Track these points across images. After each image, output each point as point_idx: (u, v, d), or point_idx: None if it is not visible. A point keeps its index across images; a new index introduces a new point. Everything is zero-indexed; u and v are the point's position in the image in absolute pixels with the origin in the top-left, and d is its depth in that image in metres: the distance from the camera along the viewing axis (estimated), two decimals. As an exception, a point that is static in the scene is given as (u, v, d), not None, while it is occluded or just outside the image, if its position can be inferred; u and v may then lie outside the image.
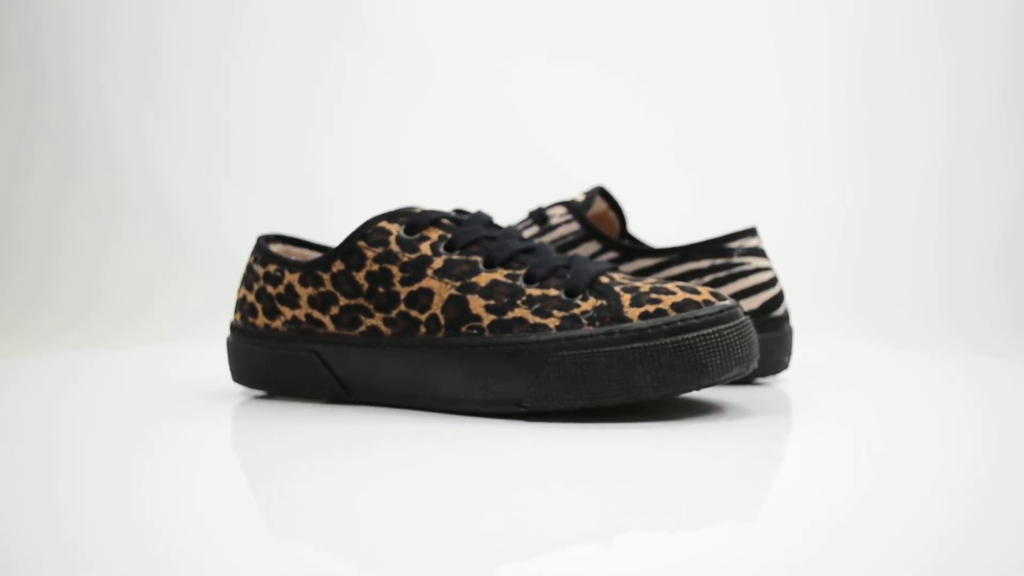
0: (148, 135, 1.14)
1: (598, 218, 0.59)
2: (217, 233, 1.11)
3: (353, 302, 0.46)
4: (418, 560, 0.25)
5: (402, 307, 0.44)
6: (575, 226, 0.54)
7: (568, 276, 0.44)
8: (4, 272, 1.06)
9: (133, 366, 0.68)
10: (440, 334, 0.44)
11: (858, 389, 0.54)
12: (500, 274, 0.44)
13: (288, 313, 0.48)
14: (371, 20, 1.20)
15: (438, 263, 0.45)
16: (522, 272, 0.44)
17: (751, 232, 0.53)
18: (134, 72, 1.16)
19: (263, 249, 0.50)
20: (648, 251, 0.53)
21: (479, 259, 0.45)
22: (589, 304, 0.42)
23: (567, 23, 1.20)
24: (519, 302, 0.43)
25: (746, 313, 0.51)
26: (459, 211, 0.50)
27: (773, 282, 0.53)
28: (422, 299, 0.44)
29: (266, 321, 0.49)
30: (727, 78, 1.18)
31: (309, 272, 0.47)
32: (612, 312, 0.42)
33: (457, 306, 0.43)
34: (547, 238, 0.55)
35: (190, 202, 1.13)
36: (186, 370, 0.64)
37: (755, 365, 0.43)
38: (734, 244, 0.52)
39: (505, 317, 0.43)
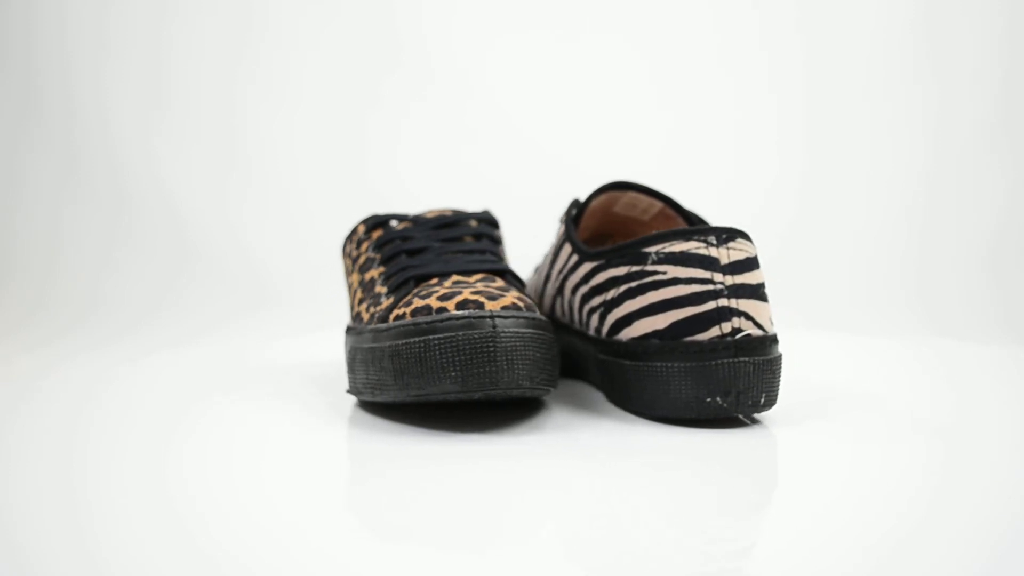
0: (152, 134, 1.12)
1: (660, 215, 0.52)
2: (229, 234, 1.07)
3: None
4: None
5: (349, 296, 0.53)
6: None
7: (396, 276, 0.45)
8: (5, 273, 1.05)
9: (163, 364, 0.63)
10: (352, 323, 0.51)
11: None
12: (376, 272, 0.48)
13: None
14: (390, 19, 1.11)
15: (361, 260, 0.51)
16: (385, 271, 0.47)
17: (687, 234, 0.40)
18: (137, 69, 1.13)
19: None
20: (589, 255, 0.46)
21: (377, 257, 0.49)
22: (383, 305, 0.44)
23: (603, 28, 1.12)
24: (368, 298, 0.47)
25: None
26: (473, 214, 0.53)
27: (700, 298, 0.39)
28: (349, 290, 0.52)
29: None
30: (722, 78, 1.11)
31: None
32: (382, 314, 0.43)
33: (352, 298, 0.50)
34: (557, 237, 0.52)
35: (198, 202, 1.10)
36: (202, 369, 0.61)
37: (494, 387, 0.38)
38: (651, 248, 0.41)
39: (357, 311, 0.48)
